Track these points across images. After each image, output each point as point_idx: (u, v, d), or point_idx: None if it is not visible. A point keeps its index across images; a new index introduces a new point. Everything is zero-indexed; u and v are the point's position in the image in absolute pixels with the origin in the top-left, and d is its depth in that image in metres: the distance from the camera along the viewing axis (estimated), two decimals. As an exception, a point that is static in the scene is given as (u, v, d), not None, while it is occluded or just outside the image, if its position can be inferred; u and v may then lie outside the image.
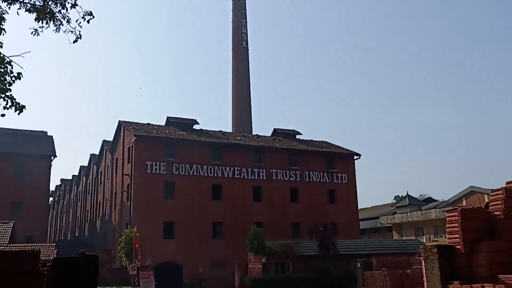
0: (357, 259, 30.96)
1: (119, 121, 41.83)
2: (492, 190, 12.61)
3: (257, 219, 37.05)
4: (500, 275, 10.56)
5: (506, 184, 12.61)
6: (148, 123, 41.81)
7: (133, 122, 41.35)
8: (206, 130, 43.36)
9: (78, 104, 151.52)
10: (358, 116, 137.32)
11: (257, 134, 47.27)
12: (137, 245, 28.57)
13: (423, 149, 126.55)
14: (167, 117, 42.38)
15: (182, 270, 35.05)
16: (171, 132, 39.50)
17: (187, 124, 42.05)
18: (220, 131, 44.55)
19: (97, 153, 50.33)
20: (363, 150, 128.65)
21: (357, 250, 35.20)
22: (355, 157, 44.61)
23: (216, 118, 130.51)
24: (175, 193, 36.67)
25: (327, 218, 37.48)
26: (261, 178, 39.88)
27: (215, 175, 38.36)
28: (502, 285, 10.00)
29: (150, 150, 36.53)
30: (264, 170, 40.16)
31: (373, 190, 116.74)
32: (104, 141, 48.05)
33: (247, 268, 30.80)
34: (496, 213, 11.87)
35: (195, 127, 42.57)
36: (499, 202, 11.93)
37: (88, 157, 54.81)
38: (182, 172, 37.23)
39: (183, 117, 43.35)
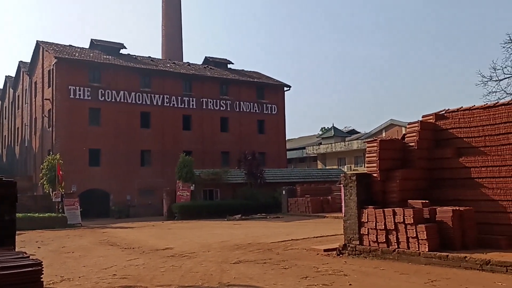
0: (283, 187, 32.48)
1: (37, 41, 38.74)
2: (409, 123, 13.40)
3: (186, 147, 37.12)
4: (409, 200, 11.51)
5: (422, 117, 13.43)
6: (70, 45, 39.14)
7: (53, 43, 38.49)
8: (134, 55, 41.48)
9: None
10: (289, 48, 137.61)
11: (188, 62, 46.04)
12: (60, 172, 27.73)
13: (349, 83, 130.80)
14: (92, 39, 39.85)
15: (110, 197, 34.83)
16: (96, 56, 37.33)
17: (114, 48, 39.88)
18: (149, 57, 42.82)
19: (13, 75, 46.73)
20: (293, 82, 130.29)
21: (283, 178, 36.80)
22: (285, 88, 45.14)
23: (145, 44, 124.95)
24: (101, 120, 35.40)
25: (256, 148, 38.43)
26: (191, 106, 39.41)
27: (144, 102, 37.29)
28: (410, 209, 10.90)
29: (73, 74, 34.47)
30: (194, 99, 39.63)
31: (301, 121, 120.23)
32: (20, 62, 44.58)
33: (175, 195, 31.24)
34: (411, 144, 12.68)
35: (122, 51, 40.54)
36: (415, 134, 12.72)
37: (3, 79, 50.84)
38: (108, 98, 35.76)
39: (109, 40, 41.00)
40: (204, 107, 39.97)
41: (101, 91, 35.48)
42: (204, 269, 10.41)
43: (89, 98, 34.92)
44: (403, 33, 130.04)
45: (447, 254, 9.83)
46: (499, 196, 10.85)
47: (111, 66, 36.46)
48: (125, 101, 36.44)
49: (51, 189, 28.56)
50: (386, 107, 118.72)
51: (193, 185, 31.61)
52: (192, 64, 44.77)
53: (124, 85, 36.45)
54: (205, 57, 46.16)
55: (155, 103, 37.72)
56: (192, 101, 39.51)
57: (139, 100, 37.08)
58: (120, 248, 15.16)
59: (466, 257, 9.46)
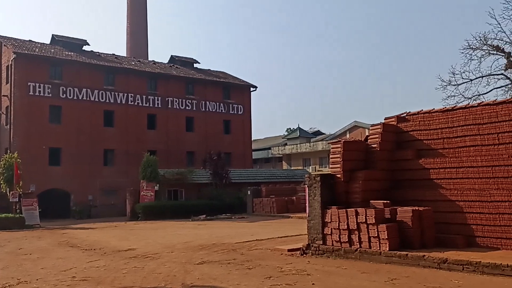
0: (248, 187, 32.53)
1: (-5, 35, 37.35)
2: (372, 125, 13.67)
3: (151, 147, 36.62)
4: (372, 201, 11.74)
5: (385, 119, 13.73)
6: (30, 40, 37.94)
7: (12, 38, 37.17)
8: (98, 52, 40.57)
9: None
10: (256, 48, 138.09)
11: (153, 60, 45.41)
12: (18, 172, 26.78)
13: (315, 84, 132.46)
14: (53, 35, 38.75)
15: (70, 197, 33.94)
16: (57, 52, 36.28)
17: (76, 44, 38.87)
18: (113, 54, 41.99)
19: (-31, 70, 44.80)
20: (260, 83, 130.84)
21: (248, 179, 36.86)
22: (251, 89, 45.22)
23: (109, 41, 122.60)
24: (62, 118, 34.43)
25: (222, 148, 38.30)
26: (156, 105, 38.91)
27: (107, 100, 36.54)
28: (372, 209, 11.12)
29: (33, 70, 33.38)
30: (159, 98, 39.13)
31: (267, 122, 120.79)
32: (-23, 57, 42.78)
33: (139, 195, 30.76)
34: (373, 145, 12.93)
35: (85, 48, 39.61)
36: (377, 135, 12.97)
37: (-42, 74, 48.62)
38: (70, 96, 34.84)
39: (71, 36, 39.99)
40: (169, 106, 39.55)
41: (63, 88, 34.54)
42: (167, 270, 10.29)
43: (50, 95, 33.92)
44: (366, 37, 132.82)
45: (407, 253, 10.08)
46: (456, 196, 11.21)
47: (73, 63, 35.55)
48: (88, 99, 35.61)
49: (8, 189, 27.54)
50: (351, 109, 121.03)
51: (158, 185, 31.21)
52: (158, 62, 44.21)
53: (86, 82, 35.61)
54: (171, 55, 45.69)
55: (119, 102, 37.02)
56: (157, 100, 39.02)
57: (102, 98, 36.31)
58: (81, 249, 14.79)
59: (424, 256, 9.73)
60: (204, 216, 27.85)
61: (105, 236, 19.11)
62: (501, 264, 8.58)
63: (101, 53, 40.62)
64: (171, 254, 12.87)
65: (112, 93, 36.81)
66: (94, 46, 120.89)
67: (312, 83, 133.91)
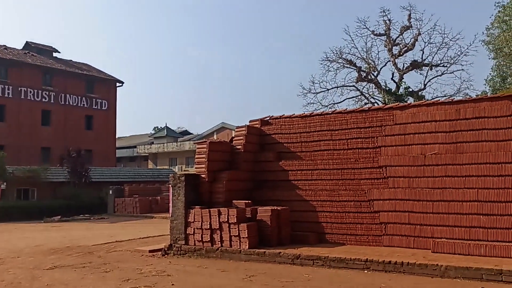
0: (110, 186, 31.09)
1: None
2: (237, 127, 14.08)
3: (-2, 141, 32.86)
4: (234, 201, 12.08)
5: (249, 122, 14.24)
6: None
7: None
8: None
9: None
10: (125, 44, 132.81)
11: (4, 45, 40.78)
12: None
13: (185, 84, 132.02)
14: None
15: None
16: None
17: None
18: (-46, 33, 36.78)
19: None
20: (127, 78, 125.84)
21: (111, 178, 35.25)
22: (117, 84, 43.31)
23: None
24: None
25: (82, 145, 36.01)
26: (6, 95, 35.00)
27: None
28: (234, 209, 11.44)
29: None
30: (11, 87, 35.29)
31: (133, 119, 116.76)
32: None
33: (-19, 195, 27.34)
34: (238, 147, 13.33)
35: None
36: (242, 137, 13.41)
37: None
38: None
39: None
40: (22, 97, 35.88)
41: None
42: (12, 277, 9.30)
43: None
44: (237, 42, 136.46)
45: (264, 250, 10.56)
46: (310, 197, 12.09)
47: None
48: None
49: None
50: (219, 110, 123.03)
51: (5, 183, 28.09)
52: (10, 48, 39.81)
53: None
54: (26, 41, 41.53)
55: (-41, 88, 32.53)
56: (8, 90, 35.13)
57: None
58: None
59: (280, 252, 10.30)
60: (59, 217, 25.90)
61: None
62: (345, 258, 9.47)
63: None
64: (17, 260, 11.68)
65: (-49, 77, 32.21)
66: None
67: (181, 82, 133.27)
